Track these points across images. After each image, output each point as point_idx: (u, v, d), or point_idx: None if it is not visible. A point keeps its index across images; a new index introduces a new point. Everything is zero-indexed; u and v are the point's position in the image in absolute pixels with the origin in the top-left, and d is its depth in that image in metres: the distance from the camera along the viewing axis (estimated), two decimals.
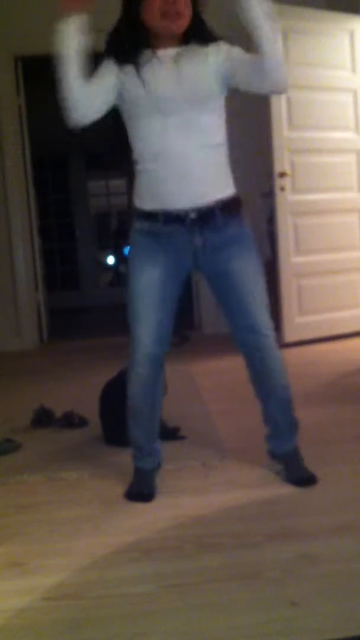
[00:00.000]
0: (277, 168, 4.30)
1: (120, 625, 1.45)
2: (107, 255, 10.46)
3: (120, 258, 10.08)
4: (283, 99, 4.28)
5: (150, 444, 2.18)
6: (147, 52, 1.98)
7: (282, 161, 4.31)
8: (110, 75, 2.00)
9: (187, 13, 1.95)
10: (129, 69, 1.97)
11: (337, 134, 4.53)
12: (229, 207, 2.02)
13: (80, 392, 3.48)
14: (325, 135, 4.50)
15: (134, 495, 2.12)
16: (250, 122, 4.89)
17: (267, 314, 2.09)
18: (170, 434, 2.66)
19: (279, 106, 4.28)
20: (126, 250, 9.88)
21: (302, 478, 2.13)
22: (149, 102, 1.94)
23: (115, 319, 7.47)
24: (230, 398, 3.19)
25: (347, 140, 4.56)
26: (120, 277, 10.23)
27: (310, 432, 2.63)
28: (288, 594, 1.51)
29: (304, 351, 4.27)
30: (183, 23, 1.95)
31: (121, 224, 9.85)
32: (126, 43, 1.99)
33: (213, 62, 1.98)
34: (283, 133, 4.32)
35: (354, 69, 4.54)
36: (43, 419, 2.98)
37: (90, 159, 9.36)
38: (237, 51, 2.01)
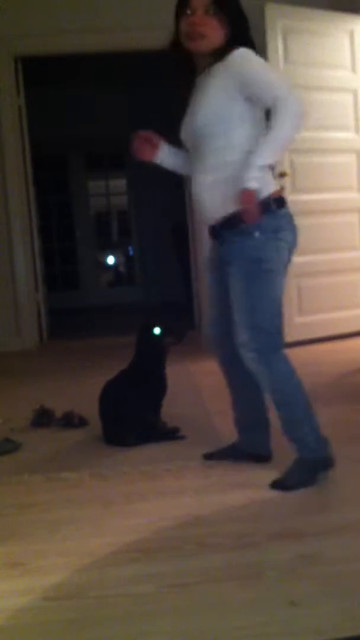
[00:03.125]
0: (277, 168, 4.29)
1: (120, 625, 1.45)
2: (107, 255, 10.46)
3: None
4: None
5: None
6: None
7: (282, 161, 4.31)
8: None
9: (210, 34, 1.97)
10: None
11: (337, 134, 4.53)
12: (228, 224, 2.09)
13: (80, 392, 3.48)
14: (325, 135, 4.49)
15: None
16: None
17: (247, 332, 2.09)
18: (169, 434, 2.66)
19: None
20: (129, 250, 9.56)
21: (275, 481, 2.13)
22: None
23: (115, 319, 7.49)
24: (230, 398, 3.18)
25: (347, 140, 4.56)
26: (120, 277, 10.22)
27: None
28: (288, 594, 1.51)
29: (304, 351, 4.26)
30: (207, 44, 1.98)
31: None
32: (174, 69, 2.10)
33: (221, 82, 2.00)
34: None
35: (354, 69, 4.54)
36: (43, 419, 2.98)
37: (90, 159, 9.35)
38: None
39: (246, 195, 1.92)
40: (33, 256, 5.28)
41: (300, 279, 4.46)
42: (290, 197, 4.27)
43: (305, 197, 4.43)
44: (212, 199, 2.08)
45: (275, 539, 1.79)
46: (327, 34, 4.43)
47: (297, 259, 4.33)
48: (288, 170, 4.33)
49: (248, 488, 2.13)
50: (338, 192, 4.57)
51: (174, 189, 5.82)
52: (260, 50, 4.29)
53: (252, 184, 1.92)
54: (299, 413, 2.14)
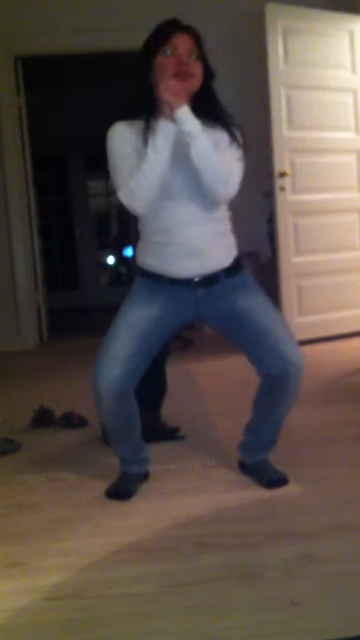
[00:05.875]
0: (277, 168, 4.30)
1: (120, 625, 1.46)
2: (107, 255, 10.47)
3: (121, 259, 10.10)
4: (283, 99, 4.29)
5: (135, 455, 2.20)
6: (157, 121, 1.92)
7: (282, 161, 4.31)
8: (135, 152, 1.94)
9: (198, 77, 1.94)
10: (144, 139, 1.92)
11: (337, 134, 4.53)
12: (231, 270, 2.05)
13: (80, 392, 3.47)
14: (325, 135, 4.50)
15: (111, 494, 2.14)
16: (250, 122, 4.89)
17: (297, 347, 2.06)
18: (169, 434, 2.66)
19: (279, 106, 4.28)
20: (127, 250, 9.90)
21: (271, 480, 2.13)
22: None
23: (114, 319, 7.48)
24: (230, 398, 3.18)
25: (347, 140, 4.56)
26: (120, 277, 10.23)
27: (310, 432, 2.64)
28: (288, 594, 1.51)
29: (304, 351, 4.26)
30: (193, 86, 1.93)
31: (122, 226, 9.87)
32: (141, 111, 1.98)
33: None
34: (283, 133, 4.32)
35: (354, 69, 4.55)
36: (43, 419, 2.99)
37: (90, 159, 9.36)
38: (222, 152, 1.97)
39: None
40: (33, 256, 5.28)
41: (300, 279, 4.46)
42: (290, 197, 4.36)
43: (305, 197, 4.43)
44: (216, 249, 2.01)
45: (275, 539, 1.79)
46: (327, 34, 4.43)
47: (297, 259, 4.45)
48: (288, 170, 4.33)
49: (248, 488, 2.14)
50: (338, 192, 4.57)
51: None
52: (260, 50, 4.33)
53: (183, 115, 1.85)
54: None
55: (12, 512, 2.10)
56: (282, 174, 4.30)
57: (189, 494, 2.13)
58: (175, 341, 2.57)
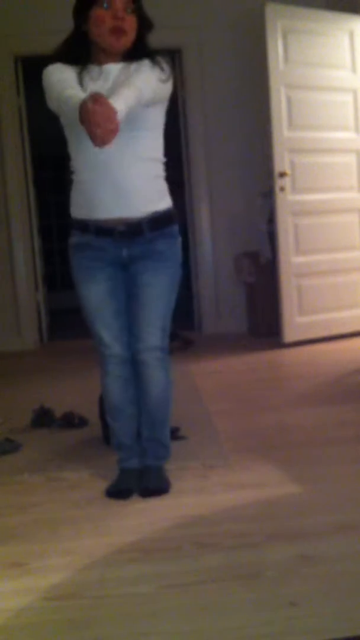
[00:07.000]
0: (277, 168, 4.30)
1: (120, 625, 1.46)
2: None
3: None
4: (283, 99, 4.29)
5: (135, 443, 2.23)
6: (91, 66, 2.02)
7: (282, 161, 4.31)
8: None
9: (131, 33, 1.99)
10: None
11: (337, 134, 4.53)
12: (158, 222, 2.07)
13: (80, 392, 3.48)
14: (325, 135, 4.49)
15: (112, 493, 2.15)
16: (250, 122, 4.89)
17: (160, 334, 2.11)
18: (170, 434, 2.66)
19: (279, 106, 4.28)
20: None
21: (146, 488, 2.16)
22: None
23: None
24: (230, 398, 3.18)
25: (347, 140, 4.56)
26: None
27: (310, 432, 2.64)
28: (288, 594, 1.51)
29: (304, 351, 4.27)
30: (127, 41, 1.98)
31: None
32: (73, 54, 2.04)
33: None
34: (283, 133, 4.32)
35: (354, 69, 4.54)
36: (43, 419, 2.99)
37: None
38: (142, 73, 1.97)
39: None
40: (33, 256, 5.28)
41: (300, 279, 4.46)
42: (290, 197, 4.37)
43: (305, 197, 4.43)
44: (148, 190, 2.04)
45: (275, 539, 1.79)
46: (326, 34, 4.43)
47: (297, 259, 4.46)
48: (288, 170, 4.33)
49: (248, 488, 2.14)
50: (338, 192, 4.57)
51: (175, 188, 5.82)
52: (260, 50, 4.32)
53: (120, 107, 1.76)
54: (169, 413, 2.24)
55: (12, 512, 2.10)
56: (282, 174, 4.30)
57: (189, 494, 2.13)
58: (175, 341, 2.57)
